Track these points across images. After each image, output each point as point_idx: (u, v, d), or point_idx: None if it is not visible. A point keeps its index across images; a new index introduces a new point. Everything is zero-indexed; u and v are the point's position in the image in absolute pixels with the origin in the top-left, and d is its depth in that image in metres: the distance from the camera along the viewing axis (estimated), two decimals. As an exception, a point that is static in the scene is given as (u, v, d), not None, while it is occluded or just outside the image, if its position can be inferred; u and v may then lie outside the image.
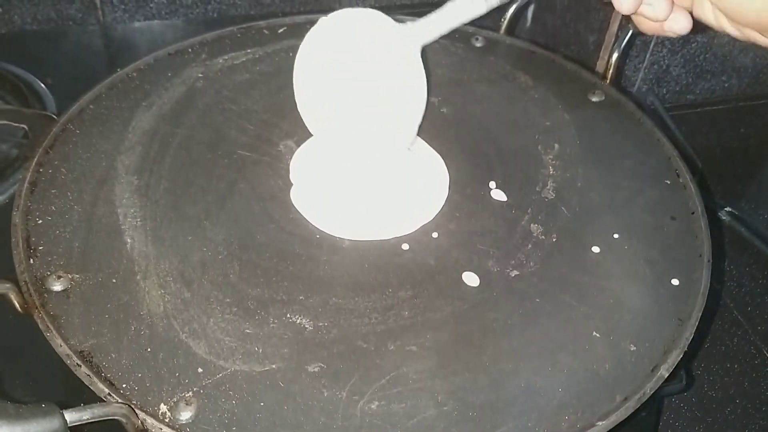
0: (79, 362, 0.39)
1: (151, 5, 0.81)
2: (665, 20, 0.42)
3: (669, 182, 0.53)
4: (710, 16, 0.42)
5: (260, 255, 0.46)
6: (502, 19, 0.66)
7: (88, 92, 0.55)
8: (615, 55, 0.60)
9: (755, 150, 0.90)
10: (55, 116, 0.54)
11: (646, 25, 0.44)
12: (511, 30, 0.66)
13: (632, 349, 0.42)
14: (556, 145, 0.55)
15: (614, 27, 0.80)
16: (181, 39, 0.62)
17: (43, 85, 0.68)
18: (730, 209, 0.79)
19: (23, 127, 0.54)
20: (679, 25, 0.42)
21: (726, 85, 0.90)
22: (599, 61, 0.80)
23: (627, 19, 0.49)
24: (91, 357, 0.40)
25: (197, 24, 0.83)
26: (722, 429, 0.61)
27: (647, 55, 0.84)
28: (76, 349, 0.40)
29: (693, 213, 0.50)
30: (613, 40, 0.81)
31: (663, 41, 0.83)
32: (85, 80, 0.67)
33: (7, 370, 0.45)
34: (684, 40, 0.83)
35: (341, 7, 0.86)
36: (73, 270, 0.44)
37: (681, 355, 0.42)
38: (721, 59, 0.88)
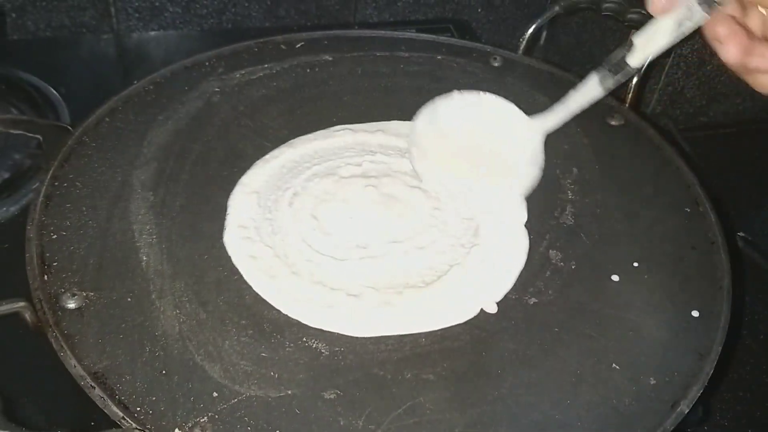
0: (93, 384, 0.39)
1: (166, 14, 0.81)
2: None
3: (689, 210, 0.52)
4: None
5: (276, 276, 0.46)
6: (521, 39, 0.65)
7: (103, 105, 0.55)
8: (635, 79, 0.59)
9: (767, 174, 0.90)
10: (69, 127, 0.53)
11: (762, 82, 0.42)
12: (529, 50, 0.65)
13: (652, 383, 0.42)
14: (575, 170, 0.55)
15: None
16: (196, 49, 0.62)
17: (56, 93, 0.68)
18: (742, 234, 0.78)
19: (37, 138, 0.53)
20: None
21: (740, 107, 0.90)
22: (615, 83, 0.80)
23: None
24: (105, 378, 0.39)
25: (212, 34, 0.82)
26: (734, 458, 0.60)
27: (662, 77, 0.83)
28: (90, 370, 0.39)
29: (713, 243, 0.50)
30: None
31: (678, 62, 0.82)
32: (99, 89, 0.67)
33: (18, 390, 0.44)
34: (699, 61, 0.83)
35: (356, 21, 0.86)
36: (87, 287, 0.43)
37: (701, 391, 0.42)
38: (736, 81, 0.87)
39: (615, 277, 0.47)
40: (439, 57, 0.64)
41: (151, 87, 0.58)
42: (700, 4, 0.41)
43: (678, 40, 0.43)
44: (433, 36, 0.67)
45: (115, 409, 0.38)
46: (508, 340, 0.43)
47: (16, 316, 0.40)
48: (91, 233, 0.46)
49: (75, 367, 0.39)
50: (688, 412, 0.41)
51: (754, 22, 0.41)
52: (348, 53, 0.63)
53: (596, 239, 0.50)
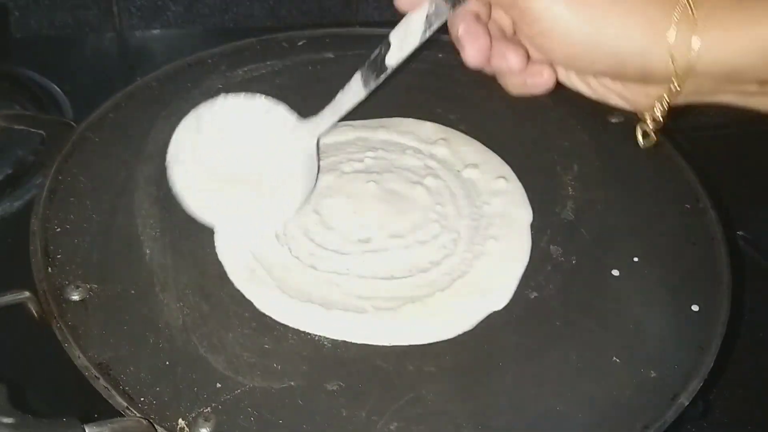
0: (97, 374, 0.39)
1: (168, 13, 0.81)
2: (524, 74, 0.40)
3: (689, 206, 0.52)
4: (561, 73, 0.40)
5: (279, 270, 0.46)
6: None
7: (107, 100, 0.55)
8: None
9: (767, 173, 0.90)
10: (73, 123, 0.54)
11: (512, 84, 0.41)
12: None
13: (653, 376, 0.42)
14: (576, 166, 0.55)
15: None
16: (198, 48, 0.62)
17: (60, 90, 0.68)
18: (742, 233, 0.78)
19: (41, 133, 0.54)
20: (541, 79, 0.40)
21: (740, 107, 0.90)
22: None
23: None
24: (110, 369, 0.39)
25: (214, 33, 0.83)
26: (733, 455, 0.60)
27: (662, 77, 0.84)
28: (95, 361, 0.39)
29: (713, 239, 0.50)
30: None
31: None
32: (102, 87, 0.67)
33: (23, 379, 0.44)
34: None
35: (358, 20, 0.86)
36: (91, 280, 0.43)
37: (701, 384, 0.42)
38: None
39: (615, 272, 0.48)
40: (440, 55, 0.64)
41: (155, 83, 0.58)
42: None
43: (428, 37, 0.42)
44: (435, 34, 0.67)
45: (119, 399, 0.38)
46: (510, 334, 0.44)
47: (21, 307, 0.41)
48: (95, 227, 0.47)
49: (79, 358, 0.39)
50: (688, 407, 0.41)
51: (503, 20, 0.40)
52: (350, 51, 0.63)
53: (597, 234, 0.50)
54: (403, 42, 0.43)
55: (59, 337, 0.40)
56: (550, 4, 0.36)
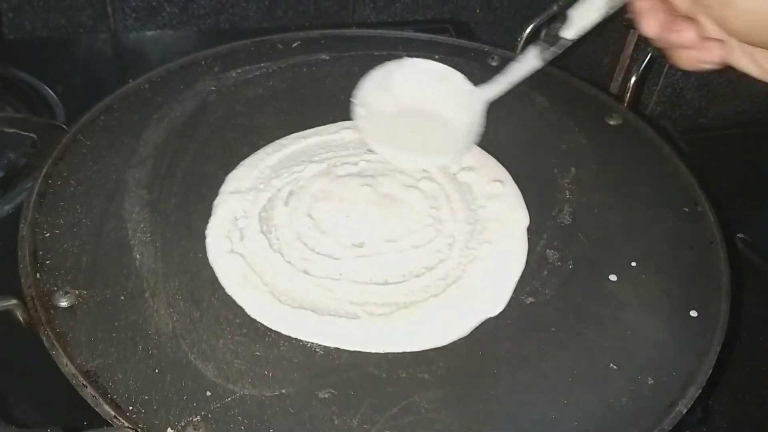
0: (85, 382, 0.38)
1: (163, 14, 0.81)
2: (695, 48, 0.41)
3: (687, 210, 0.52)
4: (731, 51, 0.41)
5: (271, 275, 0.45)
6: (519, 39, 0.65)
7: (99, 103, 0.54)
8: (633, 78, 0.59)
9: (766, 176, 0.90)
10: (64, 126, 0.53)
11: (683, 59, 0.42)
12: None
13: (650, 382, 0.41)
14: (573, 169, 0.54)
15: (629, 50, 0.79)
16: (193, 49, 0.62)
17: (53, 93, 0.67)
18: (741, 236, 0.78)
19: (32, 136, 0.53)
20: (710, 54, 0.40)
21: (739, 109, 0.90)
22: (613, 83, 0.80)
23: (647, 44, 0.49)
24: (98, 377, 0.39)
25: (209, 35, 0.82)
26: (732, 460, 0.59)
27: (661, 78, 0.83)
28: (82, 368, 0.39)
29: (711, 243, 0.49)
30: (628, 62, 0.80)
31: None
32: (95, 89, 0.67)
33: (9, 388, 0.44)
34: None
35: (354, 22, 0.86)
36: (80, 286, 0.43)
37: (699, 391, 0.41)
38: (735, 83, 0.88)
39: (613, 277, 0.47)
40: (436, 56, 0.63)
41: (147, 86, 0.57)
42: None
43: (610, 14, 0.45)
44: (431, 35, 0.66)
45: (107, 408, 0.37)
46: (504, 340, 0.43)
47: (7, 314, 0.40)
48: (85, 231, 0.46)
49: (67, 365, 0.39)
50: (686, 413, 0.40)
51: (679, 1, 0.42)
52: (345, 53, 0.63)
53: (594, 239, 0.49)
54: (582, 17, 0.45)
55: (46, 345, 0.39)
56: None
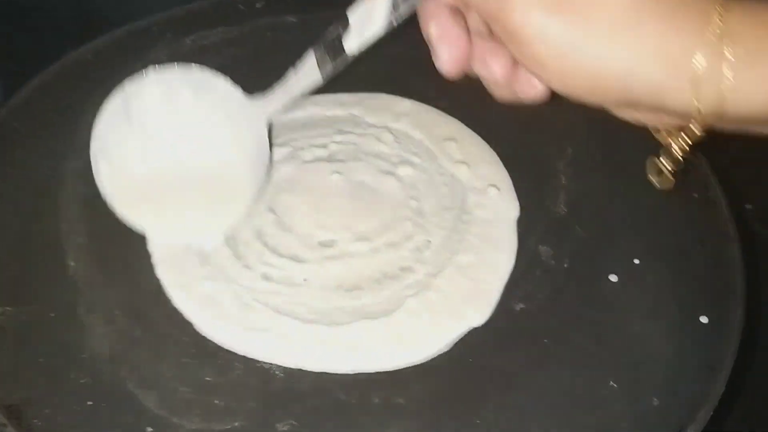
0: (5, 420, 0.33)
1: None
2: (507, 82, 0.34)
3: (696, 195, 0.46)
4: None
5: (226, 282, 0.40)
6: None
7: (32, 80, 0.48)
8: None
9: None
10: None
11: (495, 92, 0.35)
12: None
13: (655, 404, 0.37)
14: (570, 150, 0.49)
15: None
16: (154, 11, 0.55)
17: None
18: (750, 206, 0.72)
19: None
20: (530, 88, 0.34)
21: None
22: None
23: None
24: (20, 413, 0.34)
25: None
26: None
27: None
28: (4, 402, 0.34)
29: (725, 234, 0.44)
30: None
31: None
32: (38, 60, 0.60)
33: None
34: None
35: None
36: (4, 301, 0.38)
37: (711, 412, 0.36)
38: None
39: (613, 277, 0.42)
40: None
41: (90, 56, 0.51)
42: None
43: (396, 24, 0.36)
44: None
45: (30, 451, 0.32)
46: (490, 355, 0.38)
47: None
48: (11, 235, 0.41)
49: (-16, 400, 0.34)
50: (696, 435, 0.36)
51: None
52: (315, 13, 0.56)
53: (592, 232, 0.44)
54: (363, 26, 0.36)
55: (-39, 376, 0.34)
56: (540, 20, 0.30)
